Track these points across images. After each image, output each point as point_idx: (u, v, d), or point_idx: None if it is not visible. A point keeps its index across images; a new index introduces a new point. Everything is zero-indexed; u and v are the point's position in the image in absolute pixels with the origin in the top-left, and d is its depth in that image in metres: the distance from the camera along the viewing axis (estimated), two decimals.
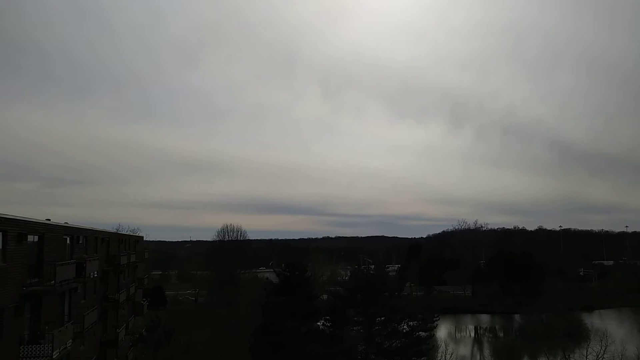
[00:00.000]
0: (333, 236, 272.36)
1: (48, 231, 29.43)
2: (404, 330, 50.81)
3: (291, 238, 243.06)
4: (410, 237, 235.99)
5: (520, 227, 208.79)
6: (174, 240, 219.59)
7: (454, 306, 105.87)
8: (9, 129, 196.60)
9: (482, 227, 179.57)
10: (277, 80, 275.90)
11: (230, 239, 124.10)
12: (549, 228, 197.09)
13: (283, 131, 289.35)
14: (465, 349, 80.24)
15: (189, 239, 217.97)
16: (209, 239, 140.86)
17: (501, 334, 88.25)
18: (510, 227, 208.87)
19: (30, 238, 26.55)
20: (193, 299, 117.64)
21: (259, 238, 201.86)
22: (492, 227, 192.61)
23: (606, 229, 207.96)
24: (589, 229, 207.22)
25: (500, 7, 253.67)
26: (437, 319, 55.43)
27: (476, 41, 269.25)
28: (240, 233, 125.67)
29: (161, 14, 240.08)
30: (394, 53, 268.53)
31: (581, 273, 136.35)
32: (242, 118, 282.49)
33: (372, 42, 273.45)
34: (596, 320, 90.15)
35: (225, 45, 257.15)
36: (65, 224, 35.07)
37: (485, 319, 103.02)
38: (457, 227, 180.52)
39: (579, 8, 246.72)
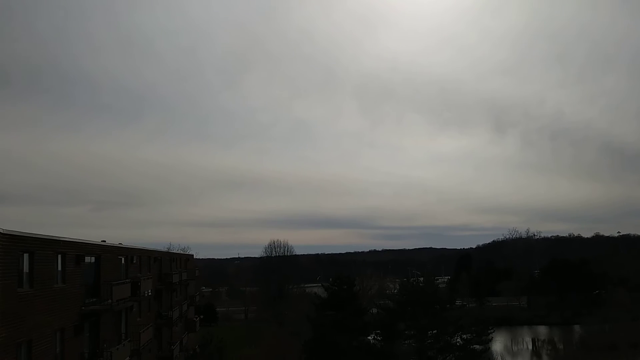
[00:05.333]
0: (379, 249, 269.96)
1: (104, 252, 30.53)
2: (458, 344, 49.58)
3: (337, 252, 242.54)
4: (459, 247, 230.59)
5: (575, 235, 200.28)
6: (222, 258, 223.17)
7: (509, 318, 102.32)
8: (62, 156, 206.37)
9: (534, 235, 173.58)
10: (316, 95, 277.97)
11: (277, 254, 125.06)
12: (606, 234, 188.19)
13: (324, 146, 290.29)
14: None
15: (237, 256, 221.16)
16: (256, 255, 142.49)
17: (561, 346, 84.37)
18: (564, 235, 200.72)
19: (87, 259, 27.60)
20: (243, 315, 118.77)
21: (305, 253, 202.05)
22: (546, 236, 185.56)
23: None
24: None
25: (540, 10, 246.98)
26: (492, 331, 53.80)
27: (516, 46, 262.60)
28: (287, 248, 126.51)
29: (203, 38, 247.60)
30: (431, 62, 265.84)
31: None
32: (284, 134, 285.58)
33: (409, 51, 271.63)
34: None
35: (266, 63, 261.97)
36: (120, 245, 36.25)
37: (542, 330, 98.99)
38: (508, 237, 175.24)
39: (615, 6, 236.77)
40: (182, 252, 77.89)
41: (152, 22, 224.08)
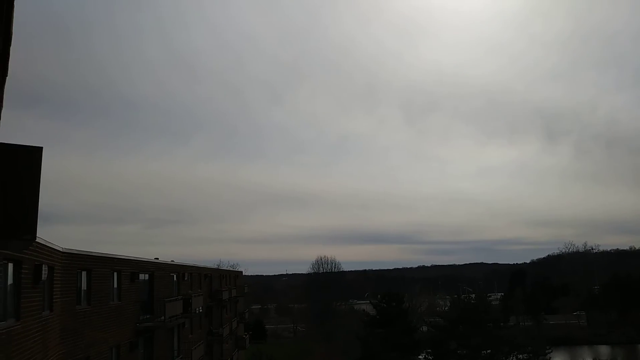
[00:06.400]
0: (428, 265, 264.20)
1: (157, 269, 31.31)
2: None
3: (385, 268, 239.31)
4: (511, 262, 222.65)
5: (637, 248, 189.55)
6: (271, 274, 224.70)
7: (568, 337, 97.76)
8: (119, 177, 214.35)
9: (592, 249, 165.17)
10: (359, 110, 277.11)
11: (324, 270, 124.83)
12: None
13: (368, 160, 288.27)
14: None
15: (285, 272, 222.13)
16: (304, 272, 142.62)
17: None
18: (625, 248, 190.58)
19: (141, 276, 28.36)
20: (292, 332, 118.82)
21: (352, 269, 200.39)
22: (605, 249, 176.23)
23: None
24: None
25: (592, 12, 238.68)
26: (550, 351, 51.60)
27: (563, 50, 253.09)
28: (335, 265, 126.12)
29: (242, 57, 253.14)
30: (478, 71, 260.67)
31: None
32: (327, 150, 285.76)
33: (453, 61, 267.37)
34: None
35: (306, 80, 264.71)
36: (172, 262, 37.10)
37: (604, 350, 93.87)
38: (564, 251, 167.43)
39: None
40: (231, 269, 78.98)
41: (201, 39, 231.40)
